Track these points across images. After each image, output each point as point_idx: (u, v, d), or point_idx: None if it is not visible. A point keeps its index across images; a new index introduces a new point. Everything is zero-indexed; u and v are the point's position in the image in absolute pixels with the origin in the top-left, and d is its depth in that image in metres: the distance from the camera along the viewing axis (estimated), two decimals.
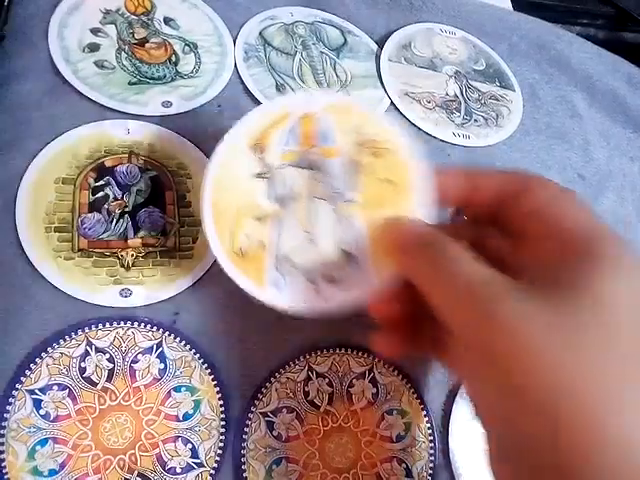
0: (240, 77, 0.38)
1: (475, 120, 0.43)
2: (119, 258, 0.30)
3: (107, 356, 0.28)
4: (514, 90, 0.47)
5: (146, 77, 0.35)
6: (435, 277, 0.21)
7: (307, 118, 0.28)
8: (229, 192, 0.27)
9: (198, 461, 0.27)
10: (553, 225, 0.22)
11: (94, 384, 0.27)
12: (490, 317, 0.19)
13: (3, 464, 0.25)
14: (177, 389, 0.28)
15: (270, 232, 0.26)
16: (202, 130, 0.35)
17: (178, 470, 0.27)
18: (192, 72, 0.37)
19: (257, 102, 0.37)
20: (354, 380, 0.31)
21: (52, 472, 0.25)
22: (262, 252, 0.26)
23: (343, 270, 0.26)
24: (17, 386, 0.26)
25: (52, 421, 0.26)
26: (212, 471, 0.27)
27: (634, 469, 0.16)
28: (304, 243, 0.27)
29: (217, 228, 0.26)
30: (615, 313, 0.18)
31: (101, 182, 0.31)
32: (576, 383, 0.17)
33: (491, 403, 0.20)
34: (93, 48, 0.35)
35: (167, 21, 0.38)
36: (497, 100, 0.45)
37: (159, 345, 0.28)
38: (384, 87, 0.42)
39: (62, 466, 0.26)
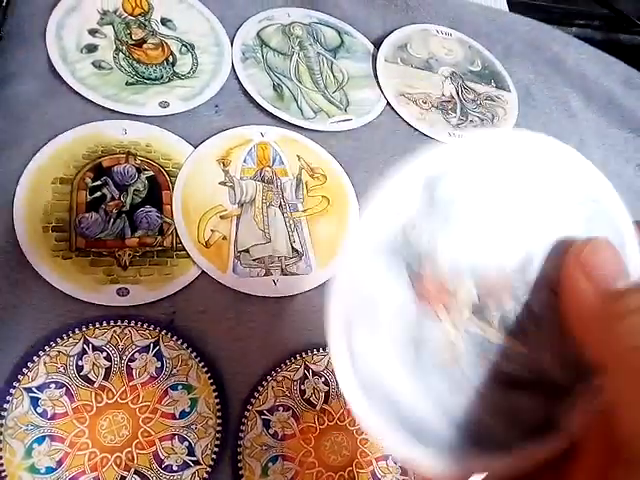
0: (237, 77, 0.38)
1: (471, 121, 0.43)
2: (116, 257, 0.30)
3: (104, 354, 0.28)
4: (510, 91, 0.47)
5: (143, 77, 0.35)
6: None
7: (263, 145, 0.36)
8: (198, 194, 0.32)
9: (194, 459, 0.27)
10: None
11: (91, 382, 0.27)
12: None
13: (0, 462, 0.25)
14: (174, 387, 0.28)
15: (232, 228, 0.32)
16: (199, 131, 0.35)
17: (175, 468, 0.27)
18: (189, 72, 0.37)
19: (254, 102, 0.37)
20: None
21: (49, 470, 0.25)
22: (225, 244, 0.32)
23: (293, 264, 0.32)
24: (14, 384, 0.26)
25: (49, 419, 0.26)
26: (208, 469, 0.27)
27: None
28: (261, 239, 0.32)
29: (186, 222, 0.31)
30: None
31: (98, 182, 0.31)
32: None
33: None
34: (91, 49, 0.35)
35: (164, 22, 0.38)
36: (493, 101, 0.45)
37: (156, 344, 0.29)
38: (380, 87, 0.42)
39: (59, 464, 0.26)
